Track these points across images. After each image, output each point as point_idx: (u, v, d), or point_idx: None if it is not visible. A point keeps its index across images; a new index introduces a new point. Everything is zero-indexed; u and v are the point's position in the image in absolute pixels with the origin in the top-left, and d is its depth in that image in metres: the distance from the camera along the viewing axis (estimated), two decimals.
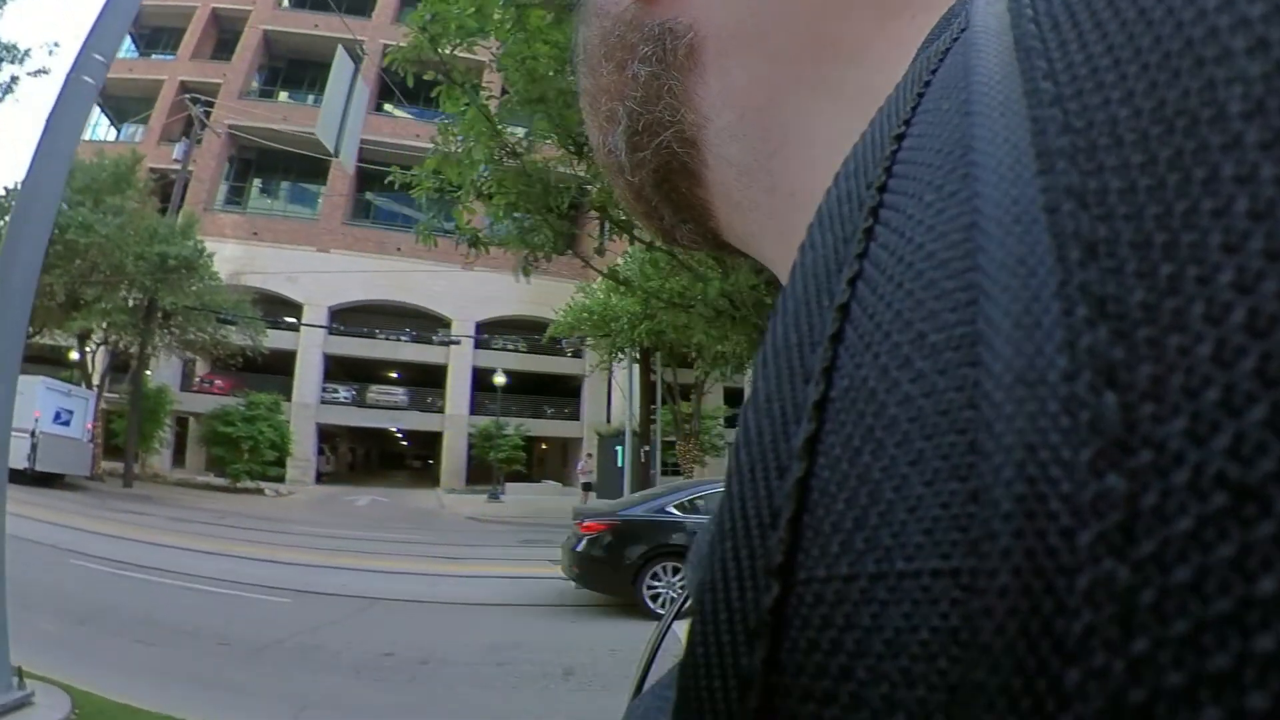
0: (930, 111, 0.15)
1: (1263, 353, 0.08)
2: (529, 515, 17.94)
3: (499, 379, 21.68)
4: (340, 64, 7.24)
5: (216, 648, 5.15)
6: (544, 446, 30.11)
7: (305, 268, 22.13)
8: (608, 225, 28.46)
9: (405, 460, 36.82)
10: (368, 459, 35.73)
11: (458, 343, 24.20)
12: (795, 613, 0.12)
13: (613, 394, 25.24)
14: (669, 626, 0.35)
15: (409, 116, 27.68)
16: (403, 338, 24.64)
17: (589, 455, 19.86)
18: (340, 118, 6.68)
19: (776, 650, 0.12)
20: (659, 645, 0.36)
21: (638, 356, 18.61)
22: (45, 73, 13.84)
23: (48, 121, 3.30)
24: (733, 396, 23.30)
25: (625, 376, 19.54)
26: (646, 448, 18.42)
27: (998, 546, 0.10)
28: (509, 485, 21.65)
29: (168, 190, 20.81)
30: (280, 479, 18.15)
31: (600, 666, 5.05)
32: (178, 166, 21.70)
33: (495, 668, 5.11)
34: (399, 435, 30.50)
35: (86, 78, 3.33)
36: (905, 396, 0.12)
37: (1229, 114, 0.09)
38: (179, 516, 12.18)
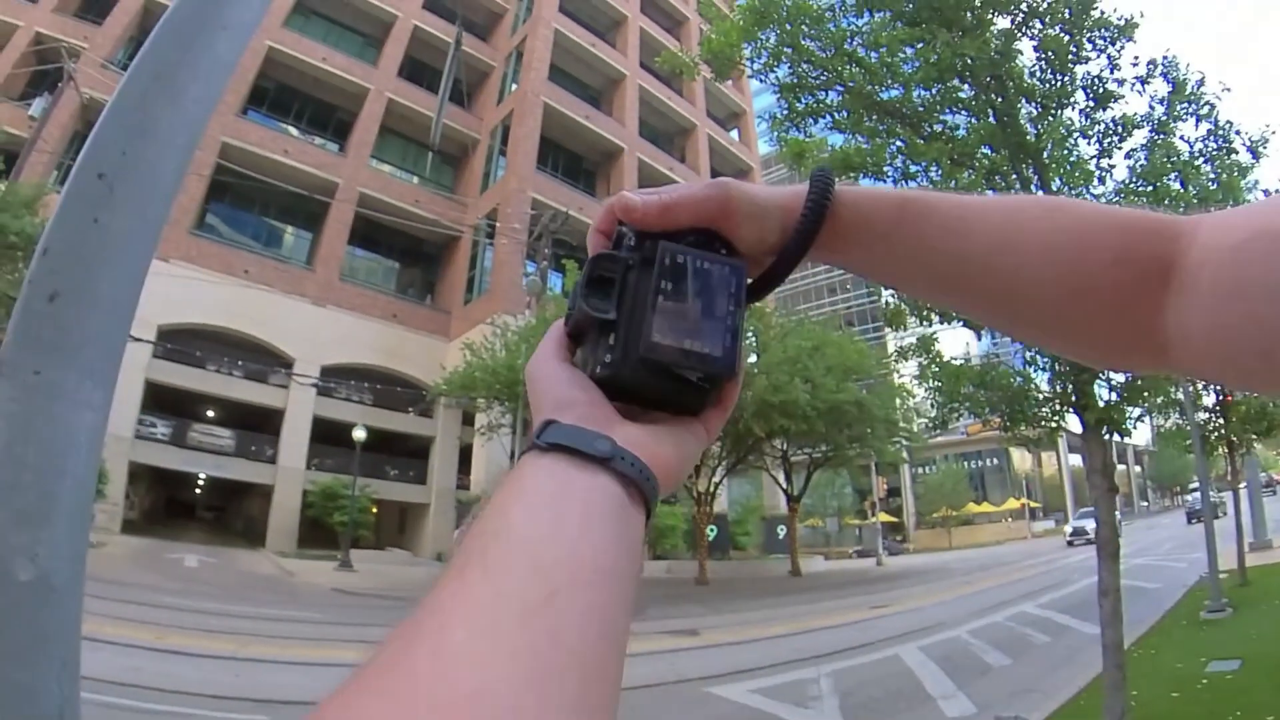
0: None
1: None
2: (394, 588, 15.94)
3: (359, 433, 19.42)
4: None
5: None
6: (374, 511, 27.35)
7: None
8: (476, 282, 27.25)
9: (196, 510, 31.49)
10: (155, 506, 29.98)
11: (302, 385, 21.44)
12: None
13: (474, 460, 23.69)
14: None
15: (290, 131, 24.99)
16: (235, 373, 21.34)
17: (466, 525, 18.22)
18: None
19: None
20: None
21: (528, 419, 17.70)
22: None
23: None
24: None
25: (510, 443, 18.44)
26: None
27: None
28: (351, 552, 19.18)
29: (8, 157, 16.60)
30: None
31: None
32: (15, 130, 17.68)
33: None
34: (200, 482, 26.09)
35: None
36: None
37: None
38: None
